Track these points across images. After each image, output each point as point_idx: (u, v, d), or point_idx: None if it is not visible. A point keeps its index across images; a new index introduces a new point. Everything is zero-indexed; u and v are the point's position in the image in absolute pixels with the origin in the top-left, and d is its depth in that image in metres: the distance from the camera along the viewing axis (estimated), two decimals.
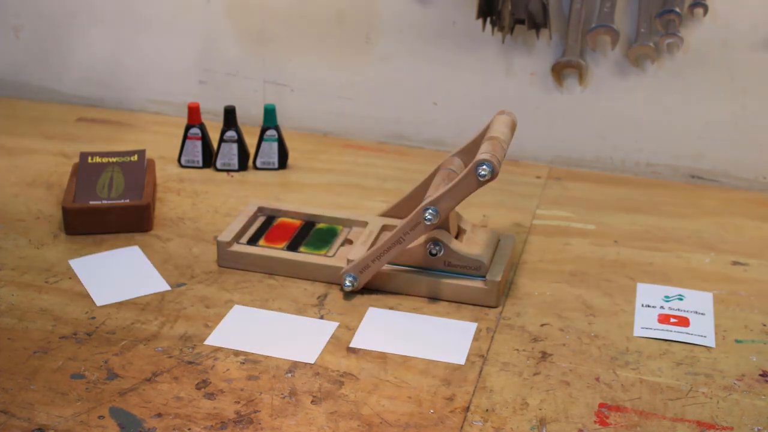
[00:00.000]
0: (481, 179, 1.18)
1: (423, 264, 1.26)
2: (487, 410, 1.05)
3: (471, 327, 1.20)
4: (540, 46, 1.60)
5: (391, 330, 1.19)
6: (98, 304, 1.22)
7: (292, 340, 1.16)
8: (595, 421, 1.04)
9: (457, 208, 1.26)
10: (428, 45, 1.66)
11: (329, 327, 1.19)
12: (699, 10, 1.51)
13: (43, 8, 1.83)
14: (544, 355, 1.15)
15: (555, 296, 1.27)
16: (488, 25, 1.59)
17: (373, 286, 1.27)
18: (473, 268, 1.25)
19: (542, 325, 1.21)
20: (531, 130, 1.66)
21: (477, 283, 1.24)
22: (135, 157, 1.47)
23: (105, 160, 1.46)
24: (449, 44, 1.64)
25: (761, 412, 1.06)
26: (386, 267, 1.27)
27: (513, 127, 1.27)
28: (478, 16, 1.57)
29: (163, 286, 1.27)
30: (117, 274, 1.29)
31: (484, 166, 1.17)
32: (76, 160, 1.55)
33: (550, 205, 1.52)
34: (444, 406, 1.06)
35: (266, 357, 1.13)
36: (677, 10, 1.50)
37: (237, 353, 1.13)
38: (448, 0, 1.61)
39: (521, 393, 1.08)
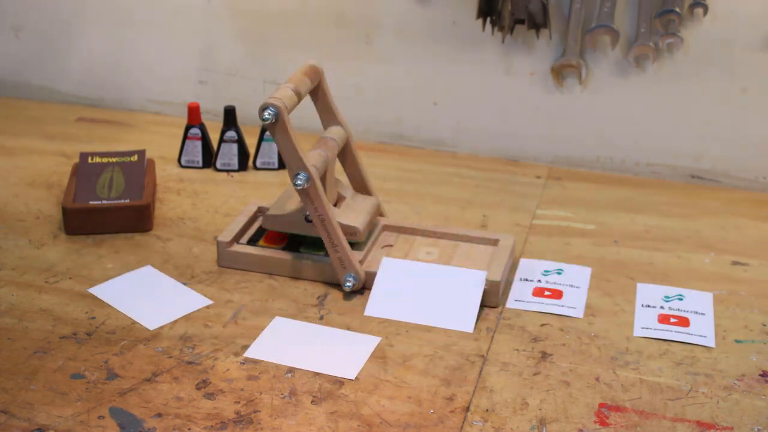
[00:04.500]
0: (265, 122, 1.20)
1: (302, 231, 1.28)
2: (487, 410, 1.05)
3: (373, 341, 1.16)
4: (540, 46, 1.60)
5: (289, 341, 1.16)
6: (151, 328, 1.18)
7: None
8: (595, 421, 1.04)
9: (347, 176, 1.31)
10: (428, 45, 1.65)
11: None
12: (699, 10, 1.51)
13: (43, 8, 1.83)
14: (544, 355, 1.15)
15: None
16: (488, 25, 1.59)
17: (372, 286, 1.27)
18: (349, 234, 1.26)
19: (542, 325, 1.21)
20: (531, 130, 1.66)
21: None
22: (135, 158, 1.47)
23: (105, 160, 1.47)
24: (449, 44, 1.64)
25: (761, 412, 1.06)
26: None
27: (306, 69, 1.29)
28: (478, 16, 1.57)
29: (202, 300, 1.24)
30: (152, 296, 1.25)
31: (267, 111, 1.20)
32: (76, 160, 1.55)
33: (550, 205, 1.52)
34: (444, 406, 1.06)
35: (267, 359, 1.13)
36: (677, 10, 1.50)
37: (237, 353, 1.13)
38: (448, 0, 1.61)
39: (521, 393, 1.08)
